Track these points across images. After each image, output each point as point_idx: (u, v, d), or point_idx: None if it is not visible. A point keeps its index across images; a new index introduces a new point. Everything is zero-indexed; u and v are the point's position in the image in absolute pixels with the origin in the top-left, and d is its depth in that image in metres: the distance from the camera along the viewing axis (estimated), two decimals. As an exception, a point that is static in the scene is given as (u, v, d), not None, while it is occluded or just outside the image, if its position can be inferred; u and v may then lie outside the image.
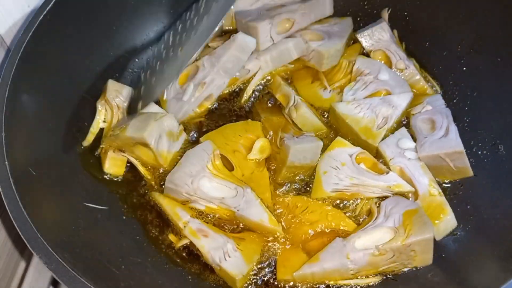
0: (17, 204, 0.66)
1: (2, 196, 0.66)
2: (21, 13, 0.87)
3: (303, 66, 1.02)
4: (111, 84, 0.91)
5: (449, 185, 0.88)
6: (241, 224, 0.84)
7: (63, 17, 0.84)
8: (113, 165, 0.88)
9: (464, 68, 0.94)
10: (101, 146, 0.88)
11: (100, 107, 0.90)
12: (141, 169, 0.88)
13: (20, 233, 0.64)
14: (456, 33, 0.95)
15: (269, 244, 0.82)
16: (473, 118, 0.90)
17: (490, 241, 0.77)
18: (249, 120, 0.94)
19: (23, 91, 0.76)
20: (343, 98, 0.95)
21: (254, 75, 0.99)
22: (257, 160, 0.88)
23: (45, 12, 0.80)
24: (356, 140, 0.91)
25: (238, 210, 0.81)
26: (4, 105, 0.72)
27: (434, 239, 0.77)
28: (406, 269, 0.79)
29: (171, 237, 0.83)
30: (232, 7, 1.04)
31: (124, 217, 0.85)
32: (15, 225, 0.65)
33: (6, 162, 0.68)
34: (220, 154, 0.87)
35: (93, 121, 0.89)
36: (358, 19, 1.07)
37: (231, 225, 0.84)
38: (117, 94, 0.89)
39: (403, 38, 1.04)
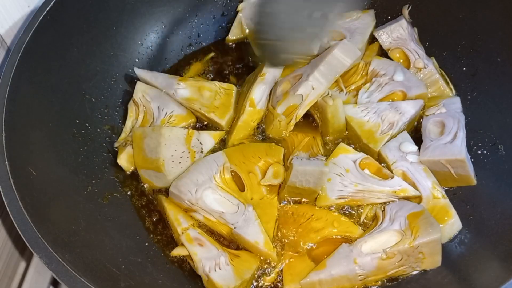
0: (17, 204, 0.66)
1: (2, 196, 0.66)
2: (21, 13, 0.87)
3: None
4: (139, 85, 0.96)
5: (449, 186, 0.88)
6: (237, 243, 0.82)
7: (63, 17, 0.84)
8: (127, 161, 0.90)
9: (464, 68, 0.94)
10: (120, 140, 0.92)
11: (130, 107, 0.95)
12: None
13: (20, 233, 0.64)
14: (456, 33, 0.95)
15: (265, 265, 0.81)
16: (473, 118, 0.90)
17: (490, 241, 0.77)
18: (273, 144, 0.90)
19: (23, 91, 0.76)
20: (358, 101, 0.93)
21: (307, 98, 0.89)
22: (270, 186, 0.86)
23: (45, 12, 0.80)
24: (359, 144, 0.90)
25: (235, 228, 0.79)
26: (4, 105, 0.72)
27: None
28: (415, 272, 0.78)
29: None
30: (240, 14, 1.03)
31: (125, 217, 0.85)
32: (15, 225, 0.65)
33: (6, 162, 0.68)
34: (234, 172, 0.86)
35: (126, 122, 0.94)
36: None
37: (228, 242, 0.83)
38: (144, 94, 0.95)
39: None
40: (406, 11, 1.01)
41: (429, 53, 0.99)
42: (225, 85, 0.97)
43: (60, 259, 0.63)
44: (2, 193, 0.66)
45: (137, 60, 1.02)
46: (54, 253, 0.63)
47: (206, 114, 0.93)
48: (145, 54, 1.04)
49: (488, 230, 0.79)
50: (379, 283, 0.79)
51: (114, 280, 0.70)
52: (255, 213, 0.81)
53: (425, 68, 0.95)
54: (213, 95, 0.95)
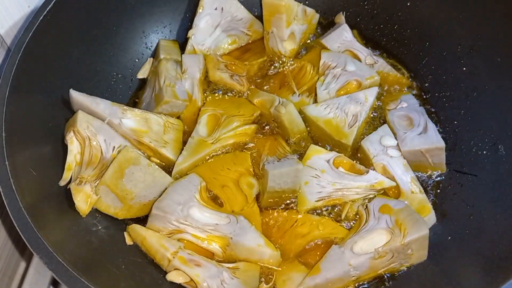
0: (17, 204, 0.66)
1: (2, 196, 0.66)
2: (21, 13, 0.87)
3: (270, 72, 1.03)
4: (82, 115, 0.82)
5: (449, 186, 0.88)
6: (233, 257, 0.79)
7: (63, 17, 0.85)
8: (85, 201, 0.78)
9: (464, 68, 0.94)
10: (66, 178, 0.79)
11: (70, 140, 0.80)
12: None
13: (20, 234, 0.64)
14: (456, 33, 0.95)
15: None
16: (473, 118, 0.90)
17: (490, 241, 0.77)
18: (237, 151, 0.91)
19: (23, 91, 0.76)
20: (318, 94, 0.96)
21: None
22: (249, 194, 0.85)
23: (45, 12, 0.80)
24: (330, 142, 0.91)
25: (233, 236, 0.77)
26: (4, 105, 0.72)
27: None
28: (402, 268, 0.78)
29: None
30: (191, 41, 1.03)
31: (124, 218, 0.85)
32: (15, 225, 0.65)
33: (6, 162, 0.68)
34: (209, 190, 0.85)
35: (68, 157, 0.79)
36: (359, 19, 1.08)
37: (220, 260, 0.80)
38: (88, 125, 0.82)
39: (402, 38, 1.04)
40: (342, 17, 1.07)
41: (428, 53, 0.99)
42: (172, 119, 0.92)
43: (60, 259, 0.63)
44: (2, 193, 0.66)
45: (137, 60, 1.02)
46: (54, 253, 0.63)
47: (158, 149, 0.87)
48: (145, 54, 1.04)
49: (488, 230, 0.79)
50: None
51: (114, 280, 0.70)
52: (248, 221, 0.80)
53: (376, 63, 1.01)
54: (162, 129, 0.89)
